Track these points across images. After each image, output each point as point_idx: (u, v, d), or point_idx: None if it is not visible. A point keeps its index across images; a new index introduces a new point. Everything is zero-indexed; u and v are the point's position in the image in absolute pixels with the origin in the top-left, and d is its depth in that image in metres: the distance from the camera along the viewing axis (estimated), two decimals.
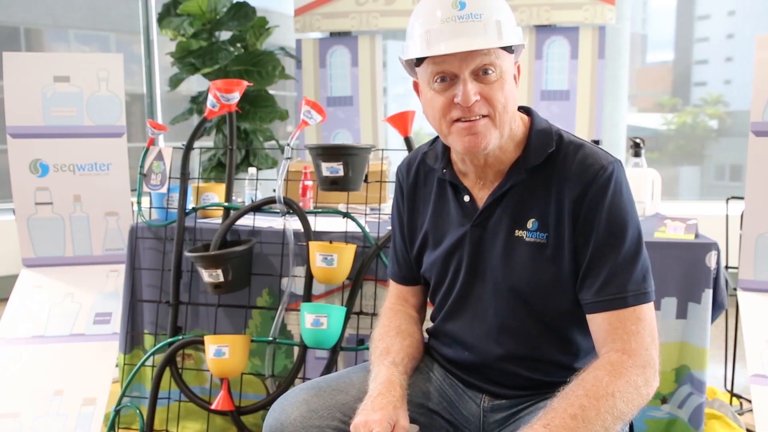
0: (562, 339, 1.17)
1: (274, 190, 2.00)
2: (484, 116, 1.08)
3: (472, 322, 1.21)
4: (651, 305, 1.09)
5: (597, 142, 1.36)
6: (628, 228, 1.09)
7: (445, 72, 1.07)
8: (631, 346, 1.05)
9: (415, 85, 1.18)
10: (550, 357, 1.18)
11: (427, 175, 1.28)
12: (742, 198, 2.06)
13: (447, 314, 1.25)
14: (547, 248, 1.12)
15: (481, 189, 1.19)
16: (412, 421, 1.21)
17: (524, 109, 1.22)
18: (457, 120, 1.09)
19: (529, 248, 1.13)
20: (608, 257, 1.08)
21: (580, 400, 0.98)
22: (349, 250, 1.88)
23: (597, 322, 1.09)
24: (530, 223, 1.14)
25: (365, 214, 2.13)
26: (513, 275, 1.15)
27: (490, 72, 1.07)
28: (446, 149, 1.23)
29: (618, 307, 1.07)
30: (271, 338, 1.99)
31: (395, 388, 1.14)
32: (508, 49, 1.09)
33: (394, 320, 1.31)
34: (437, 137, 1.25)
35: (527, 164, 1.14)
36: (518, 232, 1.14)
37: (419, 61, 1.11)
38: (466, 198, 1.20)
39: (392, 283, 1.40)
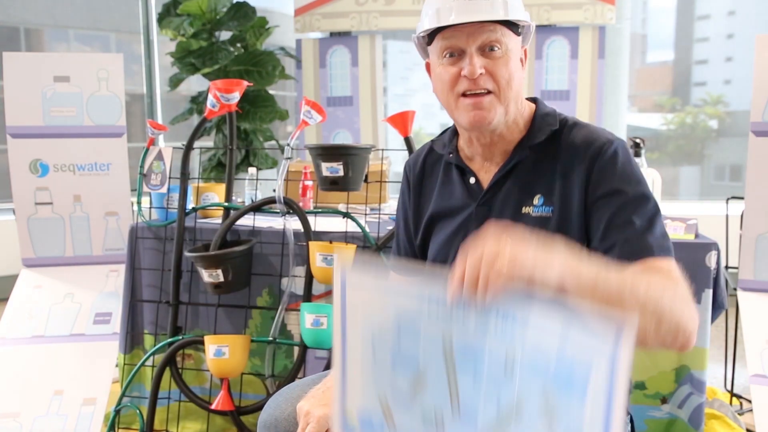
0: None
1: (274, 190, 2.00)
2: (489, 92, 1.12)
3: None
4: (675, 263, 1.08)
5: None
6: (644, 190, 1.10)
7: (453, 47, 1.12)
8: (672, 275, 1.02)
9: (427, 66, 1.22)
10: None
11: (434, 164, 1.30)
12: (742, 198, 2.06)
13: None
14: (551, 221, 1.13)
15: (487, 172, 1.21)
16: None
17: (531, 100, 1.25)
18: (464, 94, 1.13)
19: (535, 223, 1.14)
20: (628, 216, 1.07)
21: (656, 278, 0.97)
22: (350, 251, 1.89)
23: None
24: (536, 199, 1.15)
25: (365, 214, 2.13)
26: None
27: (495, 48, 1.11)
28: (454, 136, 1.25)
29: (646, 256, 1.05)
30: (271, 338, 1.99)
31: None
32: (515, 31, 1.13)
33: None
34: (445, 129, 1.29)
35: (531, 142, 1.17)
36: (525, 209, 1.15)
37: (430, 41, 1.15)
38: (472, 180, 1.21)
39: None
